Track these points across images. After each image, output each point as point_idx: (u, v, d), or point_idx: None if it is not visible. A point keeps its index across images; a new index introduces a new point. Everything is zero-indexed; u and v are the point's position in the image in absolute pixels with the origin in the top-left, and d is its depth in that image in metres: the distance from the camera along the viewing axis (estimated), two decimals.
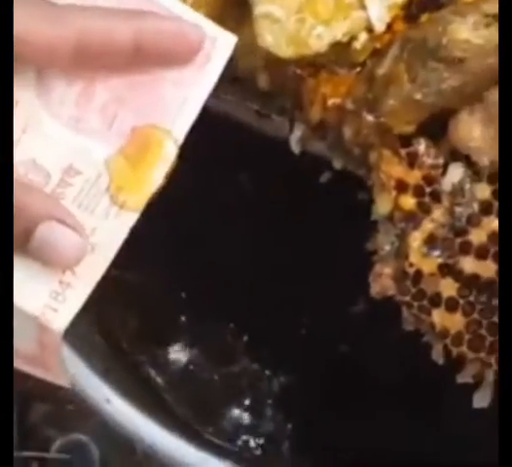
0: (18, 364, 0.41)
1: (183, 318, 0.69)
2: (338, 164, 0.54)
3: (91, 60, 0.39)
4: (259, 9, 0.47)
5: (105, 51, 0.39)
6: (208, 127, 0.57)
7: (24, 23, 0.37)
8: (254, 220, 0.64)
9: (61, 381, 0.42)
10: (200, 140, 0.48)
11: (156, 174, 0.41)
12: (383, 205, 0.50)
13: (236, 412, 0.66)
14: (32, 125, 0.40)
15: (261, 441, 0.65)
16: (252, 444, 0.64)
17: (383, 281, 0.49)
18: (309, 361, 0.67)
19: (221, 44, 0.42)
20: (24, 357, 0.41)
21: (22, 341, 0.40)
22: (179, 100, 0.41)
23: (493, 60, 0.45)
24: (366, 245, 0.51)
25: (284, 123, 0.55)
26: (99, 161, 0.41)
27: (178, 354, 0.67)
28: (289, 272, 0.65)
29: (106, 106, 0.41)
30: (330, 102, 0.51)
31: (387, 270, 0.50)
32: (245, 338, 0.68)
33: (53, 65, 0.39)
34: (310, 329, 0.67)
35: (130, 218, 0.41)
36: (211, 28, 0.42)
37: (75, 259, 0.39)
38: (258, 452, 0.64)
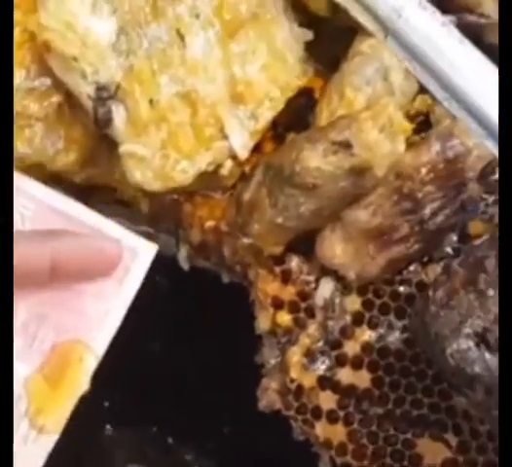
0: None
1: (108, 426, 0.70)
2: (226, 278, 0.56)
3: None
4: (124, 148, 0.50)
5: (21, 273, 0.39)
6: None
7: None
8: (165, 332, 0.66)
9: None
10: None
11: (75, 392, 0.41)
12: (262, 321, 0.52)
13: None
14: None
15: None
16: None
17: (269, 396, 0.51)
18: (233, 459, 0.68)
19: (141, 254, 0.42)
20: None
21: None
22: (100, 314, 0.41)
23: (345, 184, 0.48)
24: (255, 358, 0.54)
25: (172, 241, 0.58)
26: (19, 383, 0.40)
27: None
28: (202, 378, 0.66)
29: (27, 324, 0.41)
30: (207, 225, 0.53)
31: (273, 385, 0.51)
32: (170, 440, 0.70)
33: None
34: (232, 426, 0.68)
35: (49, 441, 0.40)
36: (131, 239, 0.42)
37: None
38: None
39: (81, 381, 0.41)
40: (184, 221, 0.55)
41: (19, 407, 0.41)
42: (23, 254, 0.39)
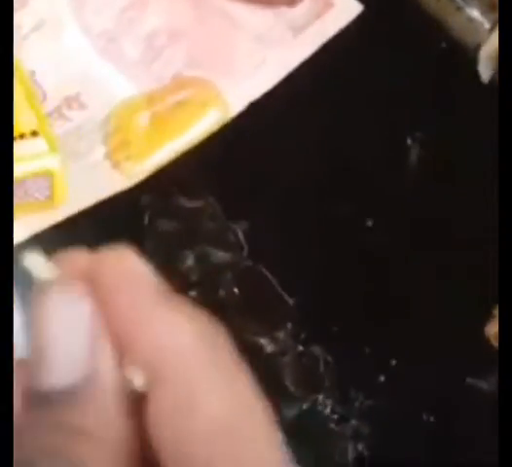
0: None
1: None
2: None
3: None
4: None
5: None
6: None
7: None
8: None
9: None
10: None
11: (179, 145, 0.30)
12: None
13: None
14: (49, 25, 0.29)
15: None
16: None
17: None
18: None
19: (341, 9, 0.32)
20: None
21: None
22: (255, 60, 0.30)
23: None
24: None
25: None
26: (115, 101, 0.30)
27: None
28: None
29: (154, 36, 0.30)
30: None
31: None
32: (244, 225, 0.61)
33: None
34: None
35: (120, 183, 0.31)
36: None
37: None
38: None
39: (193, 136, 0.30)
40: None
41: (102, 130, 0.31)
42: None
